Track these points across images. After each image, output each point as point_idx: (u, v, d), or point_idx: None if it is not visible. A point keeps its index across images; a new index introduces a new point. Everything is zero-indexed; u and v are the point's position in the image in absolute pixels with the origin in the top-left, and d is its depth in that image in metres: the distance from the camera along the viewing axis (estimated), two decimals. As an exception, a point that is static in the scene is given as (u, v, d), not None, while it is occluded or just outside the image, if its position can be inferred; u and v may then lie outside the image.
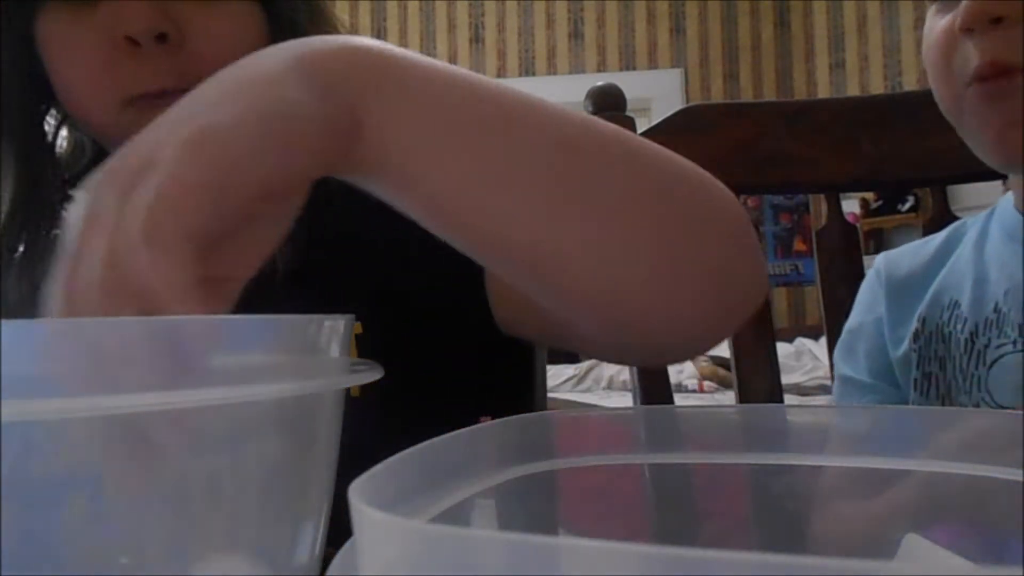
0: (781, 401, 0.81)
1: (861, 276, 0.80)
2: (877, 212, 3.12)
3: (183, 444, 0.22)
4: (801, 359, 2.45)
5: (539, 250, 0.37)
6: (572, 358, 2.93)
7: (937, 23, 0.54)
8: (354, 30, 3.62)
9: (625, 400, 2.27)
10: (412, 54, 0.37)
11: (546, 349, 0.68)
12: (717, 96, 3.53)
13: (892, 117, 0.80)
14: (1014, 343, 0.56)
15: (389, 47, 0.37)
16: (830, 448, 0.27)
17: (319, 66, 0.34)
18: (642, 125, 0.79)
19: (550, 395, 2.15)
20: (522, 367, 0.64)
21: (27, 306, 0.55)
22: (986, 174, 0.75)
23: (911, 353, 0.63)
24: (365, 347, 0.54)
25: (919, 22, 3.11)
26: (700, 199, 0.42)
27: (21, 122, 0.56)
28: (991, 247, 0.61)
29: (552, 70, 3.64)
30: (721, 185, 0.42)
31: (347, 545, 0.18)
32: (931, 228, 0.77)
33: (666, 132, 0.82)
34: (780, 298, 3.45)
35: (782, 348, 2.01)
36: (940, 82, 0.55)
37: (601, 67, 3.60)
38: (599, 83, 0.84)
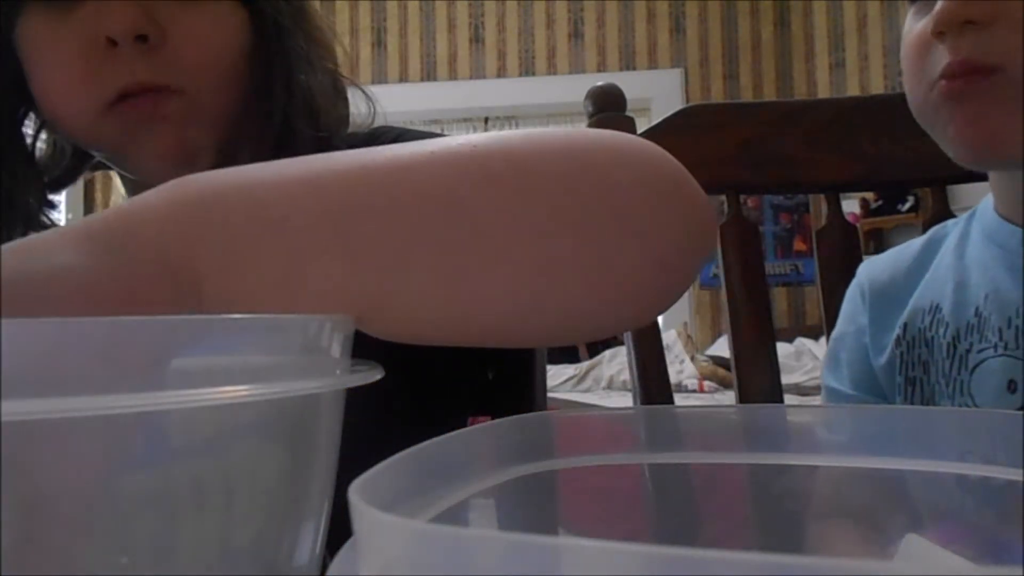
0: (781, 401, 0.81)
1: (861, 276, 0.81)
2: (877, 212, 3.12)
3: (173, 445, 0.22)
4: (801, 359, 2.45)
5: (451, 325, 0.33)
6: (572, 358, 2.93)
7: (914, 26, 0.54)
8: (354, 30, 3.63)
9: (625, 400, 2.27)
10: (244, 174, 0.31)
11: (545, 349, 0.68)
12: (717, 96, 3.53)
13: (892, 117, 0.80)
14: (995, 347, 0.56)
15: (215, 179, 0.31)
16: (830, 448, 0.27)
17: (111, 230, 0.28)
18: (642, 125, 0.79)
19: (550, 395, 2.15)
20: (522, 367, 0.64)
21: None
22: (986, 174, 0.75)
23: (894, 359, 0.63)
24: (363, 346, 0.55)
25: (919, 22, 3.12)
26: (617, 183, 0.35)
27: None
28: (972, 250, 0.61)
29: (552, 70, 3.64)
30: (644, 145, 0.36)
31: (347, 545, 0.18)
32: (931, 228, 0.77)
33: (666, 132, 0.82)
34: (780, 298, 3.45)
35: (782, 348, 2.01)
36: (912, 83, 0.56)
37: (601, 67, 3.60)
38: (599, 83, 0.84)
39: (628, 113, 0.83)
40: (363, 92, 0.65)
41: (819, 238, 0.82)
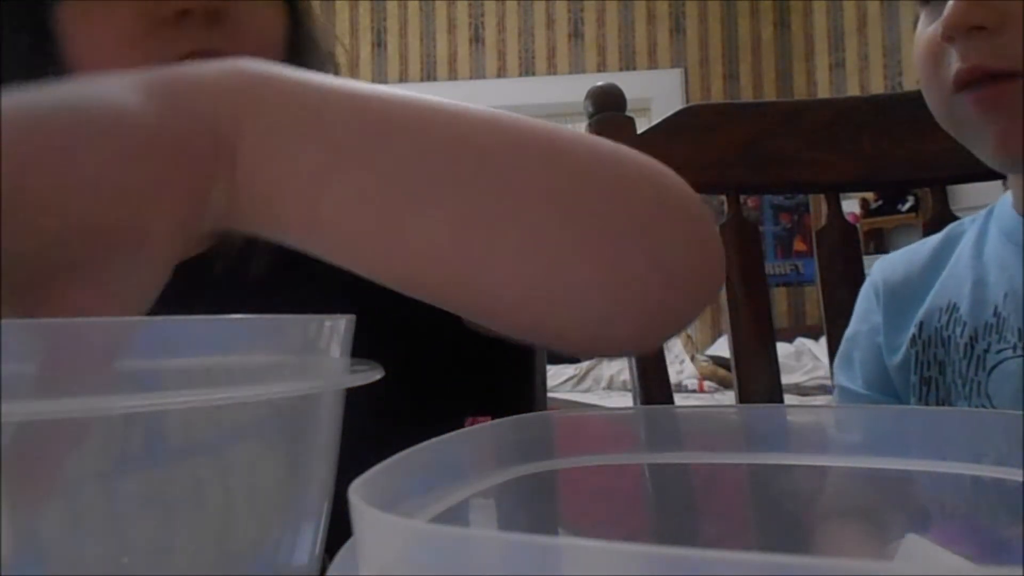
0: (781, 401, 0.81)
1: (861, 276, 0.80)
2: (877, 212, 3.12)
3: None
4: (801, 359, 2.45)
5: (456, 279, 0.33)
6: (572, 358, 2.93)
7: (926, 30, 0.54)
8: (354, 30, 3.63)
9: (625, 400, 2.27)
10: (298, 74, 0.33)
11: (545, 349, 0.68)
12: (717, 96, 3.53)
13: (892, 117, 0.80)
14: (1014, 348, 0.56)
15: (271, 68, 0.32)
16: (830, 448, 0.27)
17: (172, 84, 0.29)
18: (642, 125, 0.79)
19: (550, 395, 2.15)
20: (522, 367, 0.64)
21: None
22: (986, 174, 0.75)
23: (909, 358, 0.63)
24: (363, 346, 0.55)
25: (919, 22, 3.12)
26: (640, 194, 0.36)
27: None
28: (990, 249, 0.61)
29: (552, 70, 3.64)
30: (670, 174, 0.38)
31: (347, 545, 0.18)
32: (931, 228, 0.77)
33: (666, 132, 0.82)
34: (780, 298, 3.45)
35: (782, 348, 2.01)
36: (930, 88, 0.56)
37: (601, 67, 3.60)
38: (599, 83, 0.84)
39: (628, 113, 0.83)
40: None
41: (819, 238, 0.82)
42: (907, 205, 3.05)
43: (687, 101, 3.48)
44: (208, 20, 0.50)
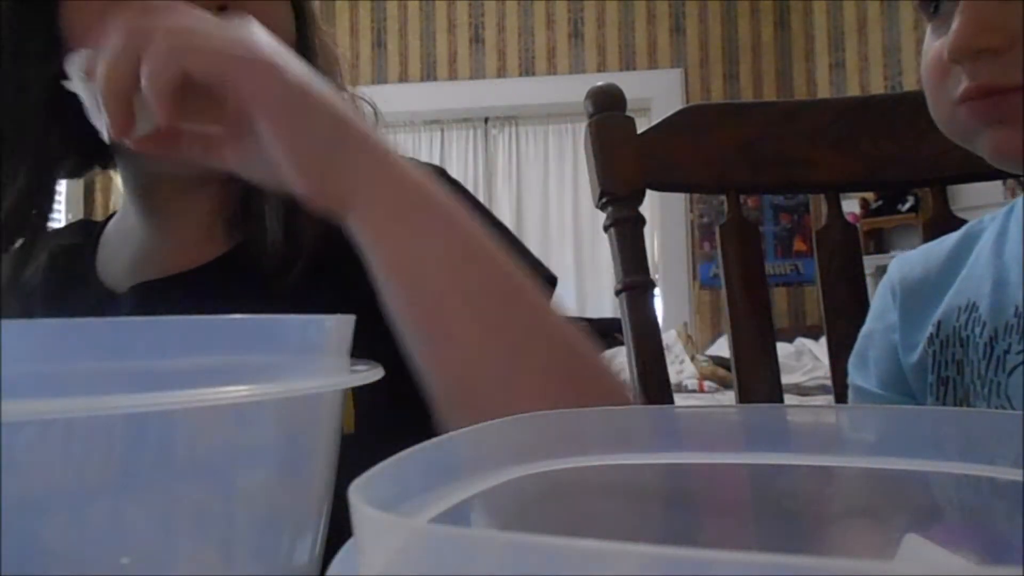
0: (781, 401, 0.81)
1: (861, 276, 0.80)
2: (877, 212, 3.12)
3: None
4: (801, 359, 2.46)
5: (449, 332, 0.44)
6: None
7: (932, 44, 0.54)
8: (354, 30, 3.63)
9: (625, 400, 2.26)
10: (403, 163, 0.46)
11: None
12: (717, 96, 3.53)
13: (892, 117, 0.80)
14: None
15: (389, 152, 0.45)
16: (830, 448, 0.27)
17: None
18: (642, 125, 0.79)
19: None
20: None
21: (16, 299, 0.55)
22: (986, 174, 0.75)
23: (926, 357, 0.62)
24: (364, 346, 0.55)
25: (919, 22, 3.11)
26: (574, 356, 0.49)
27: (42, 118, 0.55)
28: (1011, 247, 0.61)
29: (552, 70, 3.64)
30: (612, 377, 0.52)
31: (347, 545, 0.18)
32: (931, 228, 0.77)
33: (666, 132, 0.82)
34: (780, 298, 3.45)
35: (782, 348, 2.01)
36: (935, 100, 0.56)
37: (601, 67, 3.60)
38: (599, 83, 0.84)
39: (628, 113, 0.83)
40: (366, 102, 0.65)
41: (819, 238, 0.82)
42: (907, 205, 3.05)
43: (687, 101, 3.48)
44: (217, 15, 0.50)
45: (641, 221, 0.82)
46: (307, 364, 0.26)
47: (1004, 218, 0.64)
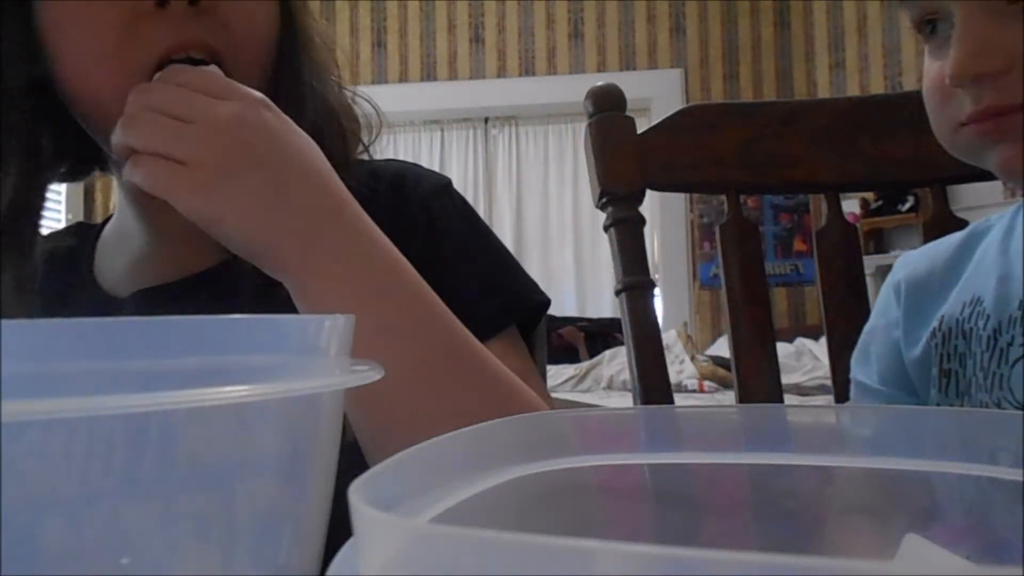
0: (781, 401, 0.81)
1: (861, 276, 0.80)
2: (877, 212, 3.12)
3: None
4: (801, 359, 2.45)
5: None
6: (572, 358, 2.93)
7: (931, 66, 0.55)
8: (354, 30, 3.63)
9: (625, 400, 2.27)
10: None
11: (545, 349, 0.68)
12: (717, 96, 3.53)
13: (892, 117, 0.80)
14: None
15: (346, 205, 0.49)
16: (830, 448, 0.27)
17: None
18: (642, 125, 0.79)
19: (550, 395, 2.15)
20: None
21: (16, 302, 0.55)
22: (986, 174, 0.75)
23: (929, 351, 0.63)
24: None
25: (919, 22, 3.11)
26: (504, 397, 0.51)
27: (26, 121, 0.56)
28: (1016, 244, 0.61)
29: (552, 70, 3.64)
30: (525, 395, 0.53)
31: (347, 545, 0.18)
32: (931, 228, 0.77)
33: (666, 132, 0.82)
34: (780, 298, 3.45)
35: (782, 348, 2.01)
36: (939, 122, 0.56)
37: (601, 67, 3.60)
38: (599, 83, 0.84)
39: (628, 113, 0.83)
40: (367, 102, 0.65)
41: (819, 238, 0.82)
42: (907, 205, 3.05)
43: (687, 101, 3.48)
44: (189, 12, 0.50)
45: (641, 221, 0.82)
46: (307, 364, 0.26)
47: (1012, 216, 0.64)
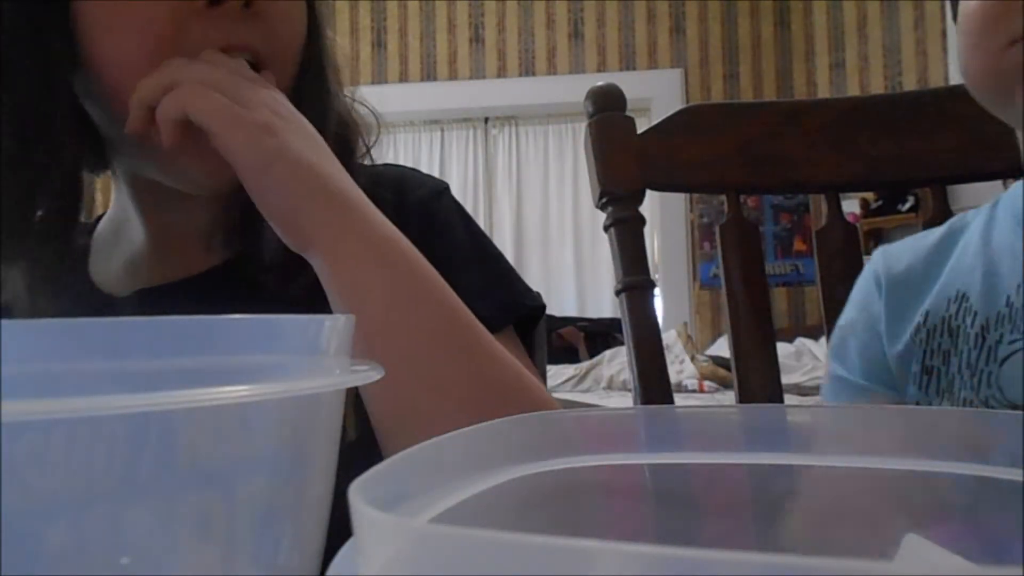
0: (781, 401, 0.81)
1: (861, 276, 0.80)
2: (877, 212, 3.12)
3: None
4: (801, 359, 2.46)
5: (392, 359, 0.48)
6: (572, 358, 2.93)
7: None
8: (354, 30, 3.63)
9: (625, 400, 2.27)
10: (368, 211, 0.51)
11: (546, 351, 0.68)
12: (717, 96, 3.53)
13: (892, 117, 0.80)
14: None
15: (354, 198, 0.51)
16: (830, 448, 0.27)
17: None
18: (642, 125, 0.79)
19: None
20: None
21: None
22: (986, 174, 0.75)
23: (913, 347, 0.62)
24: None
25: (919, 22, 3.11)
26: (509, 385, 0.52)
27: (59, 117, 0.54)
28: (1000, 237, 0.60)
29: (552, 70, 3.64)
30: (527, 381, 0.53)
31: (347, 545, 0.18)
32: (931, 228, 0.77)
33: (666, 132, 0.82)
34: (780, 298, 3.45)
35: (782, 348, 2.01)
36: (978, 48, 0.53)
37: (601, 67, 3.60)
38: (599, 83, 0.84)
39: (628, 113, 0.83)
40: (366, 107, 0.66)
41: (819, 238, 0.82)
42: (907, 205, 3.06)
43: (687, 101, 3.48)
44: (240, 14, 0.50)
45: (641, 221, 0.82)
46: (307, 364, 0.26)
47: (990, 210, 0.63)
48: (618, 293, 0.81)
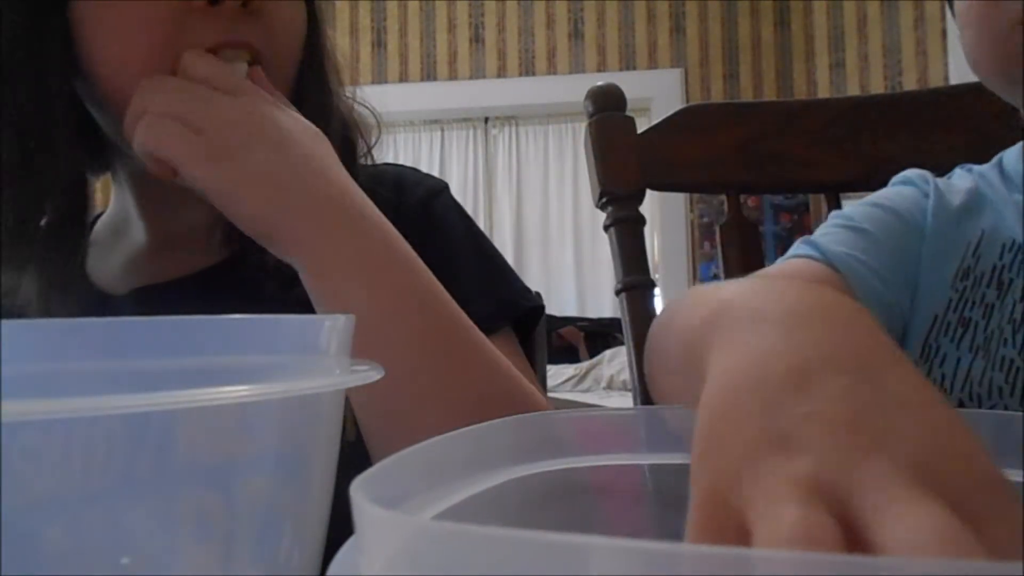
0: (781, 401, 0.81)
1: (861, 276, 0.80)
2: (877, 212, 3.12)
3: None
4: (801, 359, 2.45)
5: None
6: (572, 358, 2.93)
7: None
8: (354, 30, 3.63)
9: (625, 400, 2.27)
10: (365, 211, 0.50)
11: (545, 352, 0.68)
12: (717, 96, 3.53)
13: (892, 117, 0.80)
14: None
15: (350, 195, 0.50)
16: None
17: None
18: (642, 125, 0.79)
19: (550, 395, 2.15)
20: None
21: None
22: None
23: (951, 293, 0.57)
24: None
25: (919, 22, 3.11)
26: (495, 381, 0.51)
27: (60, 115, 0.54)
28: None
29: (552, 70, 3.64)
30: (515, 381, 0.52)
31: (347, 544, 0.18)
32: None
33: (666, 132, 0.82)
34: (780, 298, 3.44)
35: (782, 348, 1.99)
36: (986, 25, 0.52)
37: (601, 67, 3.60)
38: (599, 83, 0.84)
39: (628, 113, 0.83)
40: (367, 108, 0.66)
41: (819, 238, 0.81)
42: (907, 205, 3.05)
43: (687, 101, 3.48)
44: (239, 13, 0.50)
45: (641, 221, 0.82)
46: (307, 364, 0.26)
47: (1014, 158, 0.59)
48: (618, 293, 0.81)
